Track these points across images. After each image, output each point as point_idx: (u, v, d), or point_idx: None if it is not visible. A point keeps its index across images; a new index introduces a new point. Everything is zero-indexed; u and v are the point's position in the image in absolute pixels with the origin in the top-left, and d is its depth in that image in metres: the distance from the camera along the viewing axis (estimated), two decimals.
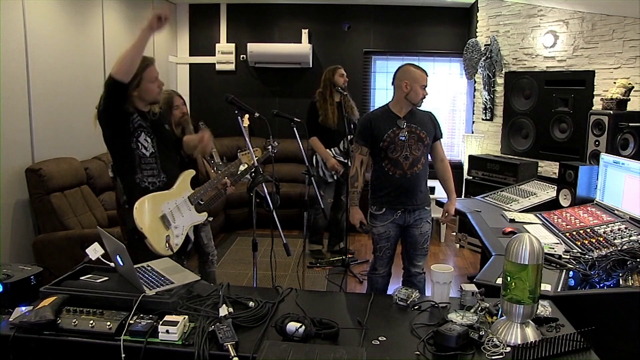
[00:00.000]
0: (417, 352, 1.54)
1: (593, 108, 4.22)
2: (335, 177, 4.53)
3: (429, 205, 3.11)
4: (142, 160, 2.42)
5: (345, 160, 4.48)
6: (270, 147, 2.99)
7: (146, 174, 2.43)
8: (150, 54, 5.99)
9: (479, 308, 1.76)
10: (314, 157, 4.50)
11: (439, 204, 3.61)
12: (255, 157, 2.74)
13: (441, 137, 3.12)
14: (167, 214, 2.45)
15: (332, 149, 4.48)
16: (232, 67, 6.44)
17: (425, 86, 2.95)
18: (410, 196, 2.98)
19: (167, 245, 2.42)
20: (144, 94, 2.39)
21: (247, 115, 3.17)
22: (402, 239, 3.10)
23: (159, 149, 2.48)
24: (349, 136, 4.50)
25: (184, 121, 3.15)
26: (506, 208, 3.58)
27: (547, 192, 3.80)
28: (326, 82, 4.47)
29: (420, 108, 3.05)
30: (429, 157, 3.11)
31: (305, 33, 6.30)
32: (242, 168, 2.93)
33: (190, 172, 2.65)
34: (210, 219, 3.52)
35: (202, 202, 2.90)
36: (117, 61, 2.23)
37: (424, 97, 2.97)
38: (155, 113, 2.53)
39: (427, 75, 2.97)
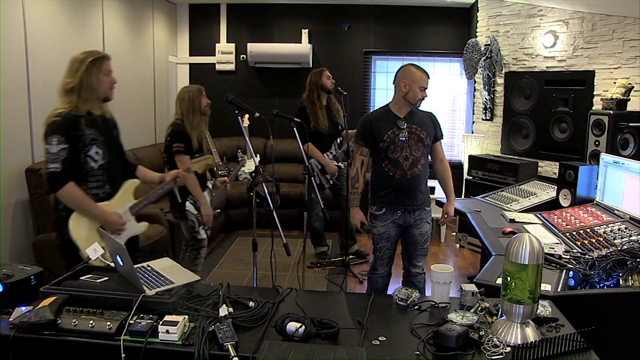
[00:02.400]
0: (417, 352, 1.54)
1: (593, 108, 4.22)
2: (331, 182, 4.51)
3: (429, 206, 3.11)
4: (88, 173, 2.35)
5: (339, 164, 4.47)
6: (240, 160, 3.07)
7: (91, 185, 2.36)
8: (150, 54, 5.98)
9: (479, 308, 1.76)
10: (309, 164, 4.44)
11: (439, 203, 3.61)
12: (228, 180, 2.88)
13: (441, 138, 3.11)
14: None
15: (325, 154, 4.44)
16: (232, 67, 6.44)
17: (425, 88, 2.92)
18: (411, 196, 2.98)
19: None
20: (96, 86, 2.33)
21: (247, 115, 3.20)
22: (402, 239, 3.10)
23: (108, 160, 2.41)
24: (338, 139, 4.49)
25: (206, 110, 3.39)
26: (506, 208, 3.58)
27: (547, 192, 3.80)
28: (312, 85, 4.40)
29: (421, 108, 3.04)
30: (429, 157, 3.11)
31: (305, 33, 6.30)
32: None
33: (134, 182, 2.57)
34: (218, 210, 3.65)
35: (213, 195, 3.25)
36: (70, 199, 2.30)
37: (423, 99, 2.95)
38: (107, 119, 2.47)
39: (428, 77, 2.95)
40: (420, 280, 3.12)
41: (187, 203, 3.27)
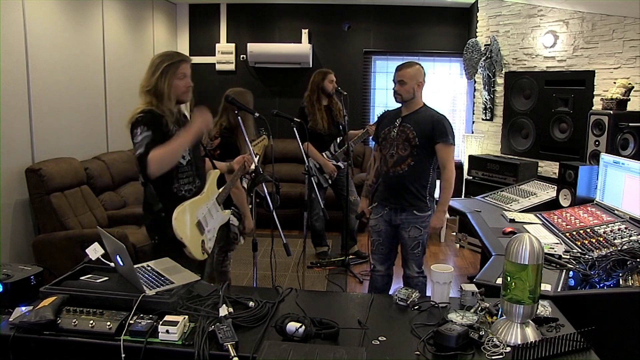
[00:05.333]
0: (417, 352, 1.54)
1: (593, 108, 4.22)
2: (329, 182, 4.51)
3: (424, 212, 2.97)
4: (179, 170, 2.36)
5: (339, 163, 4.47)
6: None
7: (182, 182, 2.38)
8: (150, 54, 5.98)
9: (479, 308, 1.76)
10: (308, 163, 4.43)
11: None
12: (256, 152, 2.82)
13: (441, 142, 2.91)
14: (202, 219, 2.43)
15: (323, 153, 4.43)
16: (232, 67, 6.44)
17: (395, 80, 2.97)
18: (394, 195, 2.99)
19: (203, 250, 2.42)
20: (168, 91, 2.33)
21: None
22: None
23: (194, 155, 2.44)
24: (338, 139, 4.49)
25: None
26: (506, 208, 3.58)
27: (547, 192, 3.80)
28: (314, 85, 4.39)
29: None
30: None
31: (305, 33, 6.30)
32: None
33: (216, 173, 2.61)
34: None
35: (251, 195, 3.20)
36: (159, 156, 2.19)
37: (395, 92, 2.98)
38: (184, 115, 2.49)
39: (398, 70, 2.98)
40: (417, 283, 3.06)
41: (230, 215, 3.19)
